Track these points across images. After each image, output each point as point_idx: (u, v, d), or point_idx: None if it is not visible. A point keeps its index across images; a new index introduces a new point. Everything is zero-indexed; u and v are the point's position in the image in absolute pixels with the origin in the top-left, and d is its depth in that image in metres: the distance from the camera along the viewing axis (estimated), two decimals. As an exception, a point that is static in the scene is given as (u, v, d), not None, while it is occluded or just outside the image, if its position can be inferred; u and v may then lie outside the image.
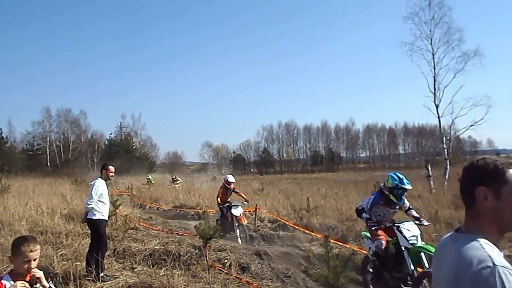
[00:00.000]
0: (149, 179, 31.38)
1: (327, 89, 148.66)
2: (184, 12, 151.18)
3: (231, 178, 10.80)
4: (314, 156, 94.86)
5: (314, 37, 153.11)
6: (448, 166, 20.47)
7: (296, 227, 10.48)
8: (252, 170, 76.45)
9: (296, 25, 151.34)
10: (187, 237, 9.19)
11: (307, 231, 9.89)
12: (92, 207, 6.35)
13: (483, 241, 1.36)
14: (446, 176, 19.95)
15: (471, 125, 20.08)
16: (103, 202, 6.43)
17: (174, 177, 33.40)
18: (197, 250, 7.68)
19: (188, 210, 15.24)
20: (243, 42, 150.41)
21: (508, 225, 1.42)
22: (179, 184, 28.49)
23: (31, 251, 2.67)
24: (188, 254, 7.51)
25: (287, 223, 11.09)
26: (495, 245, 1.36)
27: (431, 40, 20.89)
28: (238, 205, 10.05)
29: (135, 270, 6.69)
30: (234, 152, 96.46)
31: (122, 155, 59.13)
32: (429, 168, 20.42)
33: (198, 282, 5.85)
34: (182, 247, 8.15)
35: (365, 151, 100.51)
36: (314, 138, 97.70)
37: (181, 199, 17.95)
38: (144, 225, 11.16)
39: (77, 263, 6.57)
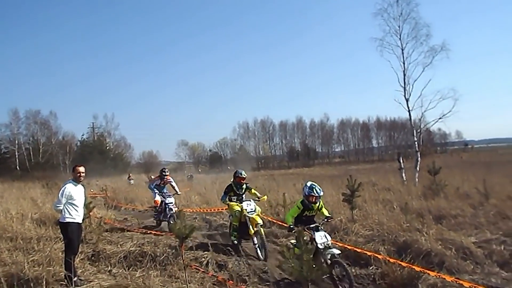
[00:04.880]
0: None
1: (302, 85, 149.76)
2: (157, 11, 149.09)
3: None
4: (290, 152, 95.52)
5: (285, 32, 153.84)
6: (419, 158, 21.00)
7: (274, 221, 10.54)
8: (229, 167, 76.14)
9: (267, 18, 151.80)
10: (163, 237, 9.12)
11: (284, 225, 9.96)
12: (62, 210, 6.21)
13: None
14: (417, 168, 20.46)
15: (440, 118, 20.70)
16: (74, 205, 6.28)
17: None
18: (173, 250, 7.63)
19: (164, 210, 15.04)
20: (215, 39, 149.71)
21: None
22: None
23: None
24: (165, 254, 7.46)
25: (264, 218, 11.13)
26: None
27: (400, 36, 21.36)
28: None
29: (110, 273, 6.59)
30: (210, 150, 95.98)
31: (96, 156, 57.96)
32: (401, 161, 20.91)
33: (175, 282, 5.83)
34: (158, 248, 8.09)
35: (340, 146, 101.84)
36: (290, 134, 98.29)
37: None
38: (119, 226, 11.01)
39: (50, 268, 6.40)
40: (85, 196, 6.85)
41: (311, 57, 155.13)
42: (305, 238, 5.63)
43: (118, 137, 75.64)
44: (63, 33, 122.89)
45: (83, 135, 70.12)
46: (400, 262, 6.04)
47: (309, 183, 6.71)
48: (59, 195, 6.25)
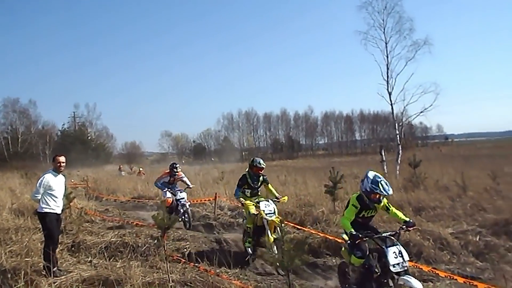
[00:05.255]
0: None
1: (286, 77, 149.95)
2: (139, 1, 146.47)
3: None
4: (274, 144, 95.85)
5: (269, 22, 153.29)
6: (401, 151, 21.32)
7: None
8: (213, 159, 75.99)
9: (251, 8, 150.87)
10: (145, 228, 9.07)
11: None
12: (40, 200, 6.11)
13: None
14: (399, 161, 20.77)
15: (421, 111, 21.03)
16: (52, 195, 6.17)
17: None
18: (155, 241, 7.60)
19: (146, 201, 14.98)
20: (199, 30, 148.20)
21: None
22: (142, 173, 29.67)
23: None
24: (146, 245, 7.43)
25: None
26: None
27: (384, 29, 21.52)
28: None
29: (91, 263, 6.53)
30: (194, 141, 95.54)
31: (77, 146, 57.00)
32: (383, 153, 21.18)
33: (156, 273, 5.80)
34: (139, 238, 8.05)
35: (324, 138, 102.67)
36: (274, 126, 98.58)
37: (140, 190, 17.60)
38: (100, 216, 10.90)
39: (28, 258, 6.31)
40: (65, 186, 6.74)
41: (295, 48, 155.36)
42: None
43: (100, 127, 74.60)
44: (44, 22, 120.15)
45: (63, 124, 68.92)
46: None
47: (371, 174, 4.98)
48: (38, 185, 6.14)
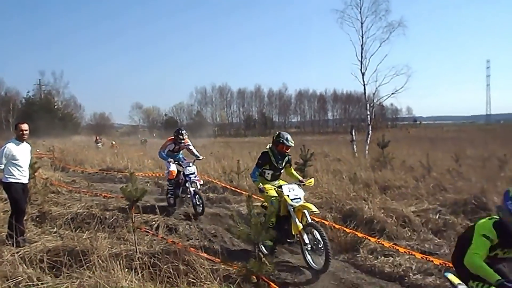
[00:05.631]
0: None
1: (261, 53, 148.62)
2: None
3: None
4: (247, 120, 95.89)
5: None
6: (370, 132, 21.81)
7: (228, 187, 10.67)
8: (184, 133, 75.24)
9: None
10: (113, 200, 8.98)
11: (238, 190, 10.12)
12: (4, 170, 5.91)
13: None
14: (368, 141, 21.27)
15: (392, 93, 21.53)
16: (16, 165, 5.97)
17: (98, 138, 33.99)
18: (123, 213, 7.54)
19: (115, 173, 14.76)
20: (174, 4, 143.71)
21: None
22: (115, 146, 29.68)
23: None
24: (114, 217, 7.37)
25: (218, 183, 11.23)
26: None
27: (361, 9, 21.64)
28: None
29: (56, 234, 6.43)
30: (166, 114, 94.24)
31: (42, 115, 55.04)
32: (353, 133, 21.62)
33: (123, 244, 5.78)
34: (107, 210, 7.97)
35: (297, 116, 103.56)
36: (248, 102, 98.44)
37: (108, 162, 17.30)
38: (67, 187, 10.68)
39: (-9, 229, 6.15)
40: (31, 155, 6.54)
41: (271, 24, 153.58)
42: None
43: (68, 96, 72.33)
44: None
45: (28, 92, 66.30)
46: (345, 229, 6.35)
47: None
48: None
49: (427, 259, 5.07)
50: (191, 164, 8.67)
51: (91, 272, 4.35)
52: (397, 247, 5.57)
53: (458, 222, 6.90)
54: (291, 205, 5.53)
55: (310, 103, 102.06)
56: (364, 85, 21.68)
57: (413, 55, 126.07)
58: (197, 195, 8.30)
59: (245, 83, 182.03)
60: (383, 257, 5.76)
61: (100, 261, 4.61)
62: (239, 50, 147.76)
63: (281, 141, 6.02)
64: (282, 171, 6.30)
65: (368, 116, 22.30)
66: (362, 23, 21.58)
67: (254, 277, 3.54)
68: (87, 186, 11.84)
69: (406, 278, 5.15)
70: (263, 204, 6.24)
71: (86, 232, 6.24)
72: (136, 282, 4.32)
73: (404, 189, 9.63)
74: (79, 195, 9.75)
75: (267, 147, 6.25)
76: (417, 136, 47.54)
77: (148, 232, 6.43)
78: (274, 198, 5.78)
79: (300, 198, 5.62)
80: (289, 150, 6.15)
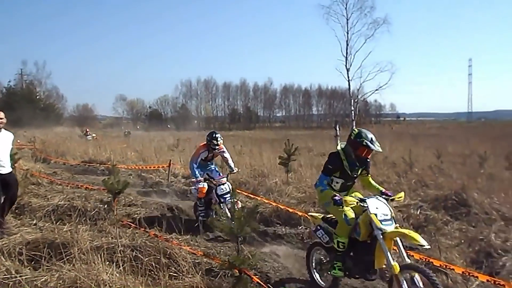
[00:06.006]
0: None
1: (247, 48, 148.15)
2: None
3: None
4: (232, 114, 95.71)
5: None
6: (354, 127, 22.00)
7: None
8: (169, 126, 74.68)
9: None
10: (95, 192, 8.85)
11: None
12: None
13: None
14: (352, 137, 21.45)
15: (376, 89, 21.85)
16: (-5, 156, 5.82)
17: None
18: (105, 206, 7.45)
19: (97, 165, 14.55)
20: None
21: None
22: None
23: None
24: (96, 210, 7.28)
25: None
26: None
27: (346, 5, 21.84)
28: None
29: (36, 226, 6.31)
30: (150, 107, 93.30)
31: (24, 105, 53.95)
32: (337, 128, 21.78)
33: (105, 237, 5.70)
34: (89, 203, 7.85)
35: (282, 111, 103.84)
36: (233, 96, 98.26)
37: (91, 154, 17.04)
38: (48, 179, 10.48)
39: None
40: (12, 145, 6.37)
41: (258, 20, 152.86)
42: None
43: (50, 87, 70.92)
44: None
45: (9, 82, 64.77)
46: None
47: None
48: None
49: (408, 254, 5.14)
50: (224, 181, 7.16)
51: (71, 265, 4.28)
52: (379, 242, 5.63)
53: (439, 218, 7.01)
54: (380, 230, 3.88)
55: (295, 97, 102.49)
56: (348, 80, 21.93)
57: (397, 52, 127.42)
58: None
59: (231, 77, 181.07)
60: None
61: (80, 254, 4.55)
62: (225, 44, 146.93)
63: (363, 142, 4.33)
64: (356, 180, 4.80)
65: (352, 112, 22.54)
66: (347, 19, 21.81)
67: (237, 271, 3.53)
68: (69, 177, 11.65)
69: (387, 272, 5.21)
70: (330, 217, 4.67)
71: (67, 224, 6.14)
72: (117, 275, 4.27)
73: (387, 185, 9.74)
74: (60, 186, 9.58)
75: (338, 147, 4.69)
76: (400, 132, 48.16)
77: (130, 225, 6.36)
78: (350, 217, 4.27)
79: (391, 220, 4.04)
80: (370, 156, 4.53)
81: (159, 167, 12.62)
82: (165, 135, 37.01)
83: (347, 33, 21.82)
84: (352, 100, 22.56)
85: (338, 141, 21.07)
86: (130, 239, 5.65)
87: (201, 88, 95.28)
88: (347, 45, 21.73)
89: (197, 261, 4.86)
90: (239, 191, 8.82)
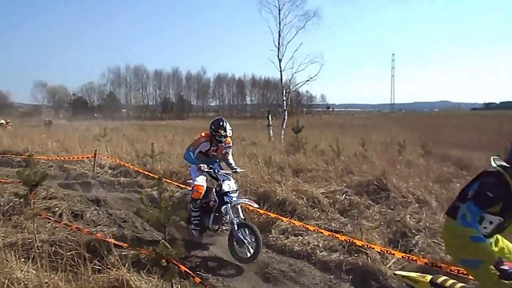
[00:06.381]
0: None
1: (179, 35, 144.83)
2: None
3: None
4: (164, 103, 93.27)
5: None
6: (286, 117, 22.50)
7: (141, 171, 10.27)
8: (95, 115, 70.86)
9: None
10: (10, 186, 8.13)
11: (151, 174, 9.78)
12: None
13: None
14: (284, 126, 21.93)
15: (307, 80, 22.45)
16: None
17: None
18: (21, 199, 6.86)
19: (13, 156, 13.39)
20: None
21: None
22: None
23: None
24: (10, 204, 6.68)
25: (130, 167, 10.77)
26: None
27: (279, -4, 21.96)
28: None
29: None
30: (74, 94, 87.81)
31: None
32: (270, 118, 22.11)
33: (21, 233, 5.30)
34: (2, 197, 7.20)
35: (215, 100, 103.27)
36: (165, 84, 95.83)
37: (5, 144, 15.65)
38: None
39: None
40: None
41: (191, 7, 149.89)
42: None
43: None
44: None
45: None
46: (259, 210, 6.48)
47: None
48: None
49: (333, 236, 5.39)
50: (230, 177, 5.81)
51: (-20, 264, 3.90)
52: (307, 226, 5.83)
53: (362, 202, 7.41)
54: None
55: (229, 87, 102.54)
56: (280, 71, 22.25)
57: (329, 46, 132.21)
58: (247, 228, 5.29)
59: (162, 65, 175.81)
60: (293, 237, 6.04)
61: (-9, 251, 4.16)
62: (156, 31, 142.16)
63: None
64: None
65: (284, 102, 22.96)
66: (280, 10, 21.99)
67: (164, 261, 3.44)
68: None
69: (314, 255, 5.45)
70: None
71: (-25, 221, 5.59)
72: (34, 272, 3.98)
73: (315, 172, 10.09)
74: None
75: (493, 163, 2.85)
76: (329, 122, 50.20)
77: (50, 219, 5.94)
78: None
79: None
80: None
81: (83, 157, 11.93)
82: (91, 124, 35.10)
83: (279, 24, 22.08)
84: (284, 91, 22.99)
85: (271, 131, 21.53)
86: (49, 234, 5.32)
87: (130, 76, 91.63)
88: (279, 35, 22.03)
89: (124, 253, 4.68)
90: (169, 181, 8.62)
